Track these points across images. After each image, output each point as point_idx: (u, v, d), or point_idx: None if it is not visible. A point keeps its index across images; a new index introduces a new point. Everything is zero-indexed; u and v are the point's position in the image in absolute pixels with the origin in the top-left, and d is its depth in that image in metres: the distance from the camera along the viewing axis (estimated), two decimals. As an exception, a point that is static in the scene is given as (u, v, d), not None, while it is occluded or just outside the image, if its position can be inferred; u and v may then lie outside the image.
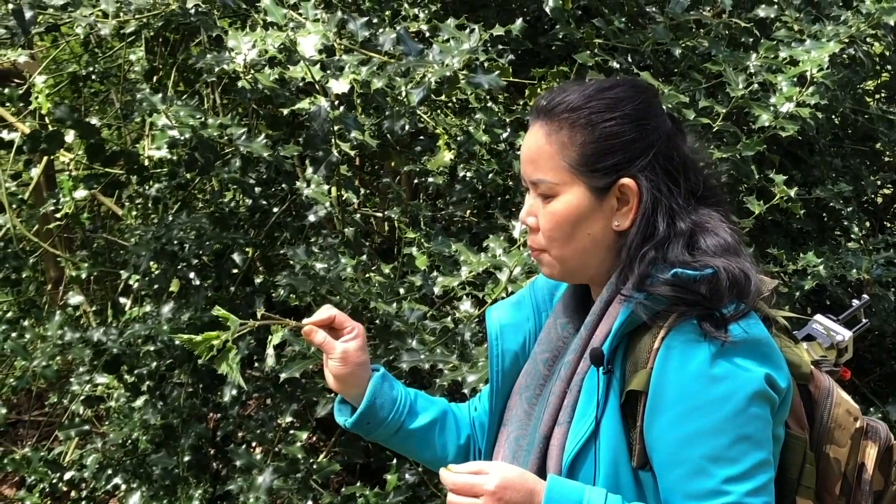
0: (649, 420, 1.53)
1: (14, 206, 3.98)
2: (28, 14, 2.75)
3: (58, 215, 4.52)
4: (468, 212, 3.54)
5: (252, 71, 3.10)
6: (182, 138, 3.11)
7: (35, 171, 4.44)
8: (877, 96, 4.64)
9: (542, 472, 1.60)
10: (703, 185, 1.65)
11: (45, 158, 4.33)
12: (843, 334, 1.85)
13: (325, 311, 1.77)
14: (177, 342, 1.64)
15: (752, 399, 1.50)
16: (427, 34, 3.32)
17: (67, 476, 3.66)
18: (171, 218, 3.55)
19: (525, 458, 1.65)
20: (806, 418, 1.66)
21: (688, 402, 1.50)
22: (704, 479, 1.49)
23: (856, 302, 2.00)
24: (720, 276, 1.53)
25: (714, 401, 1.50)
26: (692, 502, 1.49)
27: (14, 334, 3.63)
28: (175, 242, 3.48)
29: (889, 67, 4.30)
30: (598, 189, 1.60)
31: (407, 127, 3.25)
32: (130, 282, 3.80)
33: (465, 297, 3.05)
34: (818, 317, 1.90)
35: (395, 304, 3.08)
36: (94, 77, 4.01)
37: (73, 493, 3.81)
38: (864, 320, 1.95)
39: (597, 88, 1.65)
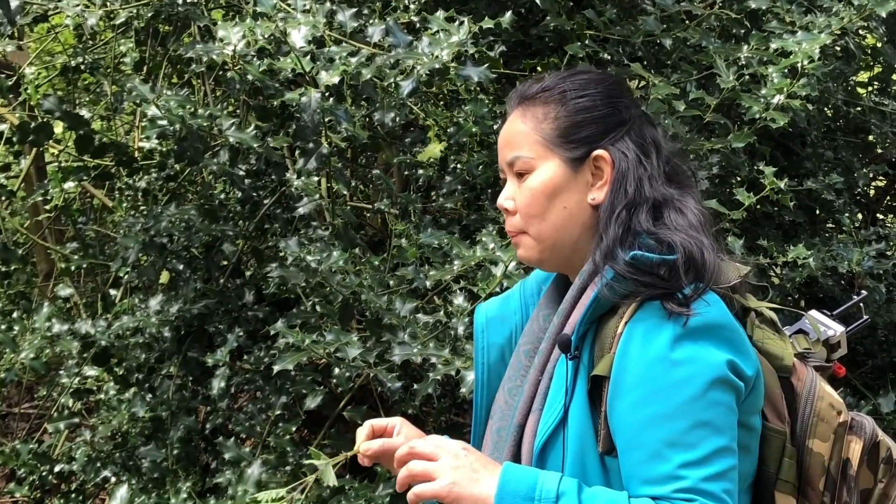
0: (611, 404, 1.52)
1: (3, 197, 3.96)
2: (14, 3, 2.73)
3: (47, 207, 4.51)
4: (458, 203, 3.52)
5: (241, 61, 3.08)
6: (171, 128, 3.09)
7: (25, 163, 4.42)
8: (869, 88, 4.63)
9: (517, 460, 1.61)
10: (674, 169, 1.68)
11: (35, 150, 4.31)
12: (836, 330, 1.83)
13: (362, 430, 1.74)
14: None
15: (712, 384, 1.49)
16: (418, 25, 3.30)
17: (57, 469, 3.66)
18: (159, 210, 3.53)
19: (503, 447, 1.65)
20: (787, 411, 1.64)
21: (647, 386, 1.49)
22: (661, 464, 1.47)
23: (854, 297, 1.98)
24: (677, 256, 1.53)
25: (673, 385, 1.48)
26: (649, 487, 1.47)
27: (3, 326, 3.62)
28: (164, 234, 3.47)
29: (881, 59, 4.28)
30: (573, 161, 1.63)
31: (397, 119, 3.24)
32: (120, 274, 3.79)
33: (458, 290, 3.04)
34: (812, 312, 1.88)
35: (385, 297, 3.07)
36: (82, 68, 3.98)
37: (63, 486, 3.80)
38: (864, 317, 1.93)
39: (570, 72, 1.71)
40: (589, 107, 1.64)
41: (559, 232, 1.64)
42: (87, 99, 4.81)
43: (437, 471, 1.50)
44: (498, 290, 2.83)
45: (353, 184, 4.25)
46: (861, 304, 1.93)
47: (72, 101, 4.46)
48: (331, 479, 1.64)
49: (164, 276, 3.70)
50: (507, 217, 1.69)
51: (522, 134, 1.65)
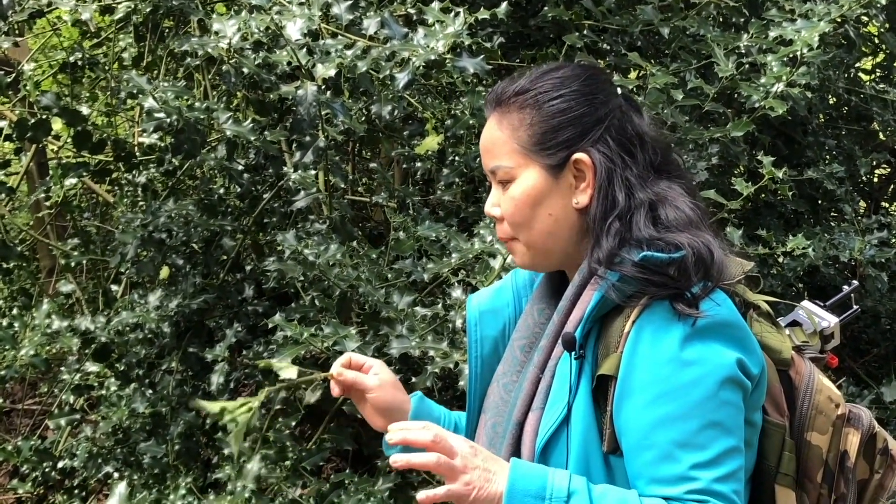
0: (619, 404, 1.51)
1: (2, 195, 3.95)
2: (5, -1, 2.72)
3: (48, 203, 4.50)
4: (456, 196, 3.51)
5: (237, 55, 3.06)
6: (168, 120, 3.07)
7: (25, 160, 4.42)
8: (871, 76, 4.60)
9: (516, 457, 1.58)
10: (662, 157, 1.64)
11: (34, 147, 4.30)
12: (829, 320, 1.82)
13: (342, 358, 1.78)
14: (204, 410, 1.58)
15: (722, 384, 1.48)
16: (415, 18, 3.29)
17: (60, 465, 3.65)
18: (157, 205, 3.52)
19: (500, 444, 1.63)
20: (786, 405, 1.63)
21: (658, 387, 1.48)
22: (672, 465, 1.46)
23: (846, 287, 1.97)
24: (687, 256, 1.51)
25: (684, 385, 1.47)
26: (660, 487, 1.46)
27: (4, 323, 3.61)
28: (162, 230, 3.46)
29: (884, 47, 4.25)
30: (553, 167, 1.59)
31: (395, 111, 3.22)
32: (121, 269, 3.78)
33: (456, 283, 3.02)
34: (805, 303, 1.87)
35: (383, 291, 3.06)
36: (80, 64, 3.97)
37: (65, 482, 3.80)
38: (854, 307, 1.92)
39: (543, 71, 1.66)
40: (564, 108, 1.60)
41: (548, 238, 1.62)
42: (88, 94, 4.80)
43: (454, 471, 1.46)
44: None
45: (355, 177, 4.24)
46: (852, 295, 1.92)
47: (74, 98, 4.45)
48: (290, 373, 1.61)
49: (165, 272, 3.70)
50: (497, 223, 1.67)
51: (500, 142, 1.62)
